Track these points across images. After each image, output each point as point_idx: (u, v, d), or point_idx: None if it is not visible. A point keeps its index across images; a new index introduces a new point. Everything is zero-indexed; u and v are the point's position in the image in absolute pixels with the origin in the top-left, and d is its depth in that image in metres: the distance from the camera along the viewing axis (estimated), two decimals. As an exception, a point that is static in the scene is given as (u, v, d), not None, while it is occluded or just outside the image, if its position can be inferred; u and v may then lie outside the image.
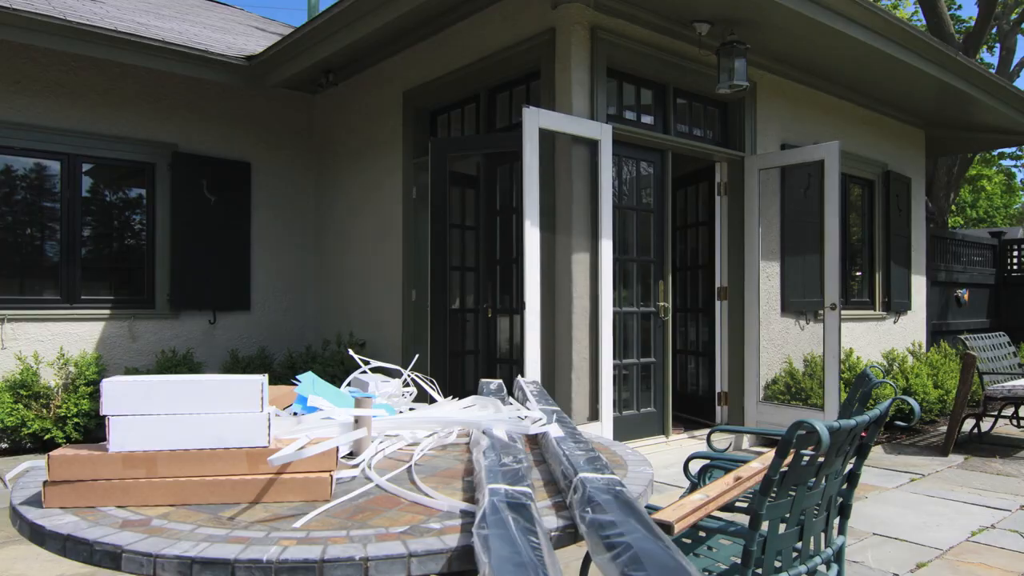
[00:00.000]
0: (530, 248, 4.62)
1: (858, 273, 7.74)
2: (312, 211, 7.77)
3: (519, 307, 5.55)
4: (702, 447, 3.49)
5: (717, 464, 2.72)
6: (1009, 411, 6.97)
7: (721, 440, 5.56)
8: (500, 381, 2.96)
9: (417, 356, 4.60)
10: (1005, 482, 4.96)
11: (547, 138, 5.00)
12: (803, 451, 1.61)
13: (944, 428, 6.79)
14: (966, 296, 10.15)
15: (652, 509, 1.83)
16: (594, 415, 4.99)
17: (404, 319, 6.33)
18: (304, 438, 1.71)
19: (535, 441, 2.18)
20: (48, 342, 6.19)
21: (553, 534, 1.43)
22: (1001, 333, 7.17)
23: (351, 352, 2.84)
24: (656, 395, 5.61)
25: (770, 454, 1.82)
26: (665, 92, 5.66)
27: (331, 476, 1.63)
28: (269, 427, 1.64)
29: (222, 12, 9.91)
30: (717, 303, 6.27)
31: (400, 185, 6.41)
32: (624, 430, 5.32)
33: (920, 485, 4.87)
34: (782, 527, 1.70)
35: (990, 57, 17.87)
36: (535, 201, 4.59)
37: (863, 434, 1.87)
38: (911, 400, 1.88)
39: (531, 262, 4.62)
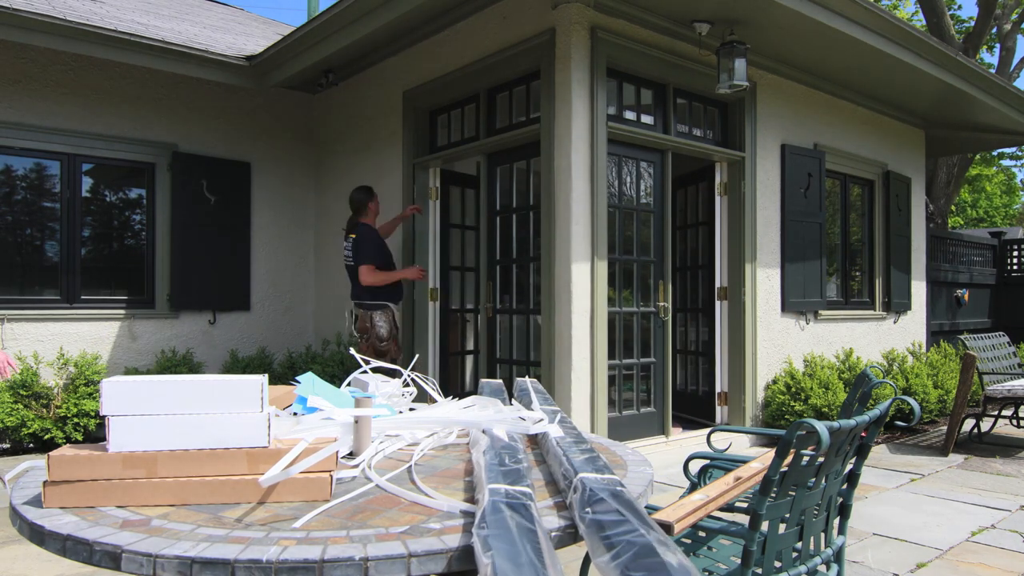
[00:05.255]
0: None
1: (858, 273, 7.75)
2: (312, 211, 7.77)
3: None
4: (702, 447, 3.49)
5: (717, 464, 2.72)
6: (1009, 411, 6.97)
7: (721, 440, 5.56)
8: (500, 381, 2.96)
9: (417, 356, 4.61)
10: (1005, 482, 4.96)
11: (549, 137, 5.02)
12: (803, 451, 1.61)
13: (944, 428, 6.79)
14: (966, 296, 10.15)
15: (652, 509, 1.83)
16: (594, 415, 4.99)
17: (404, 319, 6.33)
18: (302, 443, 1.71)
19: (535, 441, 2.18)
20: (48, 342, 6.19)
21: (553, 534, 1.43)
22: (1001, 333, 7.17)
23: (352, 351, 2.84)
24: (656, 395, 5.61)
25: (770, 454, 1.82)
26: (665, 92, 5.66)
27: (331, 476, 1.63)
28: (269, 427, 1.65)
29: (222, 12, 9.91)
30: (717, 303, 6.27)
31: (400, 185, 6.41)
32: (624, 430, 5.32)
33: (920, 485, 4.87)
34: (782, 527, 1.70)
35: (990, 57, 17.86)
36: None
37: (863, 434, 1.88)
38: (911, 400, 1.88)
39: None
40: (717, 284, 6.26)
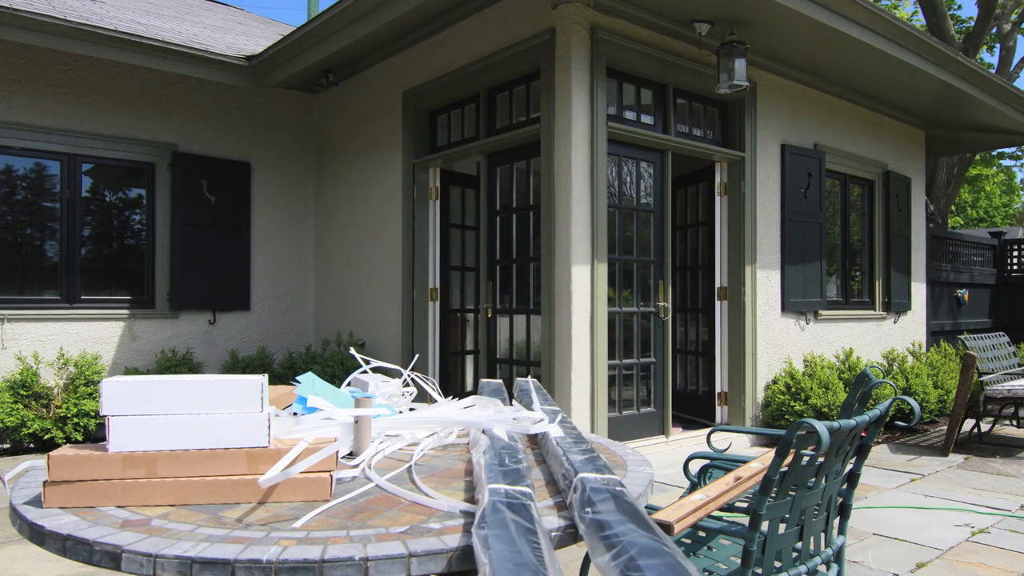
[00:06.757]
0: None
1: (858, 273, 7.74)
2: (312, 211, 7.77)
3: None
4: (702, 447, 3.49)
5: (717, 464, 2.72)
6: (1009, 411, 6.97)
7: (721, 440, 5.56)
8: (500, 381, 2.96)
9: (417, 356, 4.61)
10: (1005, 482, 4.96)
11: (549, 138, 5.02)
12: (803, 451, 1.61)
13: (944, 428, 6.80)
14: (966, 296, 10.15)
15: (652, 509, 1.83)
16: (594, 415, 4.99)
17: (404, 319, 6.33)
18: (302, 443, 1.71)
19: (535, 441, 2.18)
20: (48, 342, 6.19)
21: (553, 534, 1.43)
22: (1001, 333, 7.17)
23: (352, 351, 2.84)
24: (656, 395, 5.61)
25: (770, 454, 1.82)
26: (665, 92, 5.67)
27: (331, 476, 1.63)
28: (269, 427, 1.65)
29: (222, 12, 9.91)
30: (717, 303, 6.27)
31: (400, 185, 6.42)
32: (624, 430, 5.32)
33: (920, 485, 4.87)
34: (782, 527, 1.70)
35: (990, 57, 17.86)
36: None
37: (863, 434, 1.88)
38: (911, 400, 1.88)
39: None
40: (717, 284, 6.26)
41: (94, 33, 5.76)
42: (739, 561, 1.86)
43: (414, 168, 6.31)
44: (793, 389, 6.04)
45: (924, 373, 6.88)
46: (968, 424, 6.68)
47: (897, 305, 7.83)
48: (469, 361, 6.88)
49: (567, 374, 4.91)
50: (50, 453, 1.57)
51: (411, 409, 2.45)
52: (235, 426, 1.63)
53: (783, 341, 6.47)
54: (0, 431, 5.65)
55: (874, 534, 3.82)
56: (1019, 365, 6.96)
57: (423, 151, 6.36)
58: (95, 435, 5.78)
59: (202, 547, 1.31)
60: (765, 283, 6.27)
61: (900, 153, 8.02)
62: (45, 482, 1.55)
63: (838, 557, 1.98)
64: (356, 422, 1.94)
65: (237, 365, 6.75)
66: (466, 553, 1.32)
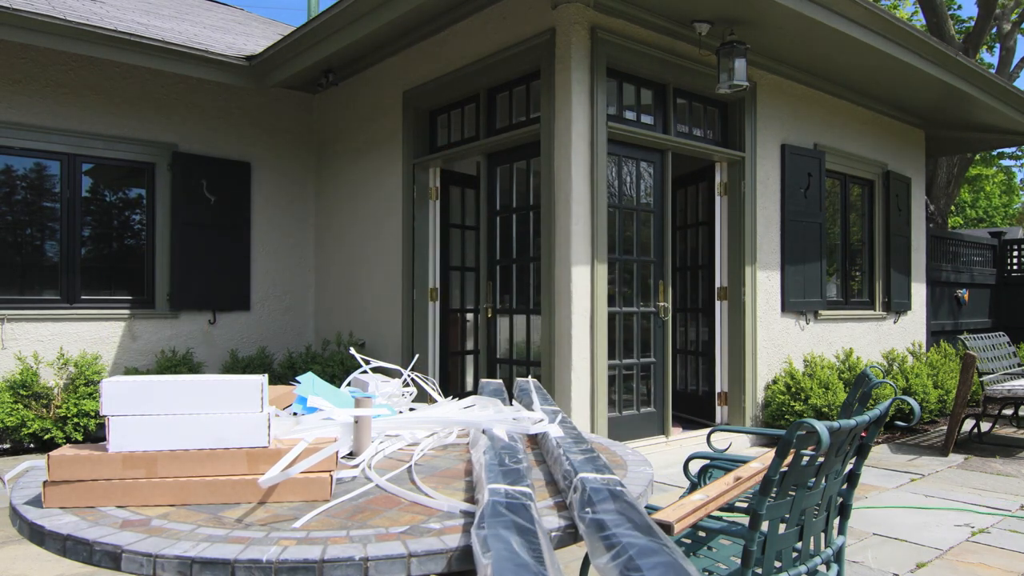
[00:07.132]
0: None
1: (858, 273, 7.74)
2: (312, 211, 7.77)
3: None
4: (702, 447, 3.49)
5: (717, 464, 2.72)
6: (1009, 411, 6.97)
7: (721, 440, 5.56)
8: (500, 381, 2.96)
9: (417, 356, 4.61)
10: (1005, 482, 4.96)
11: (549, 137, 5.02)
12: (803, 451, 1.61)
13: (944, 428, 6.79)
14: (966, 296, 10.15)
15: (652, 509, 1.83)
16: (594, 415, 4.99)
17: (404, 319, 6.33)
18: (302, 443, 1.71)
19: (535, 441, 2.18)
20: (48, 342, 6.19)
21: (553, 534, 1.43)
22: (1001, 333, 7.17)
23: (353, 351, 2.84)
24: (656, 395, 5.61)
25: (770, 454, 1.83)
26: (665, 92, 5.67)
27: (331, 476, 1.63)
28: (269, 427, 1.65)
29: (222, 12, 9.91)
30: (717, 303, 6.27)
31: (400, 185, 6.42)
32: (624, 430, 5.32)
33: (920, 485, 4.87)
34: (782, 527, 1.70)
35: (990, 57, 17.86)
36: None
37: (863, 434, 1.88)
38: (911, 400, 1.88)
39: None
40: (717, 284, 6.26)
41: (94, 33, 5.76)
42: (739, 561, 1.86)
43: (414, 168, 6.31)
44: (793, 389, 6.04)
45: (924, 373, 6.88)
46: (968, 424, 6.68)
47: (897, 305, 7.83)
48: (469, 361, 6.88)
49: (567, 374, 4.91)
50: (50, 453, 1.57)
51: (411, 409, 2.45)
52: (235, 426, 1.63)
53: (783, 341, 6.47)
54: (0, 431, 5.65)
55: (874, 534, 3.82)
56: (1019, 365, 6.96)
57: (423, 151, 6.36)
58: (95, 435, 5.78)
59: (202, 547, 1.31)
60: (765, 283, 6.27)
61: (900, 153, 8.02)
62: (45, 482, 1.55)
63: (838, 557, 1.98)
64: (356, 422, 1.94)
65: (237, 365, 6.75)
66: (466, 553, 1.32)
